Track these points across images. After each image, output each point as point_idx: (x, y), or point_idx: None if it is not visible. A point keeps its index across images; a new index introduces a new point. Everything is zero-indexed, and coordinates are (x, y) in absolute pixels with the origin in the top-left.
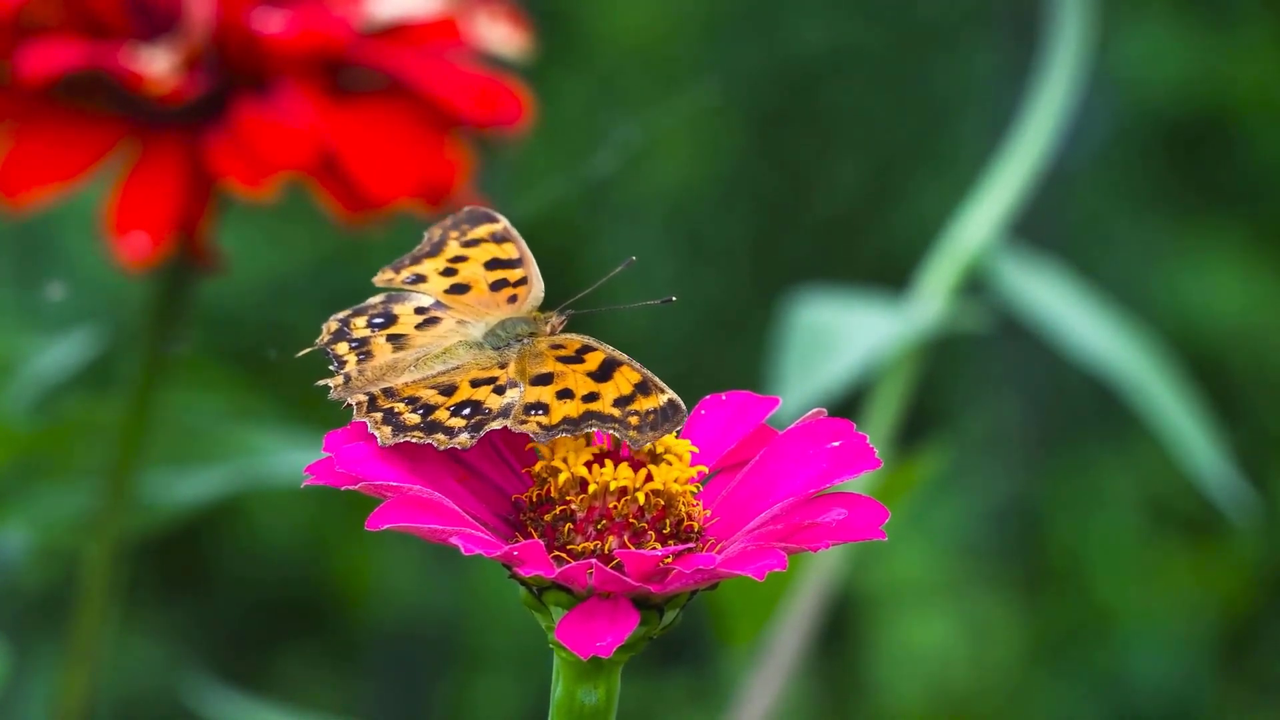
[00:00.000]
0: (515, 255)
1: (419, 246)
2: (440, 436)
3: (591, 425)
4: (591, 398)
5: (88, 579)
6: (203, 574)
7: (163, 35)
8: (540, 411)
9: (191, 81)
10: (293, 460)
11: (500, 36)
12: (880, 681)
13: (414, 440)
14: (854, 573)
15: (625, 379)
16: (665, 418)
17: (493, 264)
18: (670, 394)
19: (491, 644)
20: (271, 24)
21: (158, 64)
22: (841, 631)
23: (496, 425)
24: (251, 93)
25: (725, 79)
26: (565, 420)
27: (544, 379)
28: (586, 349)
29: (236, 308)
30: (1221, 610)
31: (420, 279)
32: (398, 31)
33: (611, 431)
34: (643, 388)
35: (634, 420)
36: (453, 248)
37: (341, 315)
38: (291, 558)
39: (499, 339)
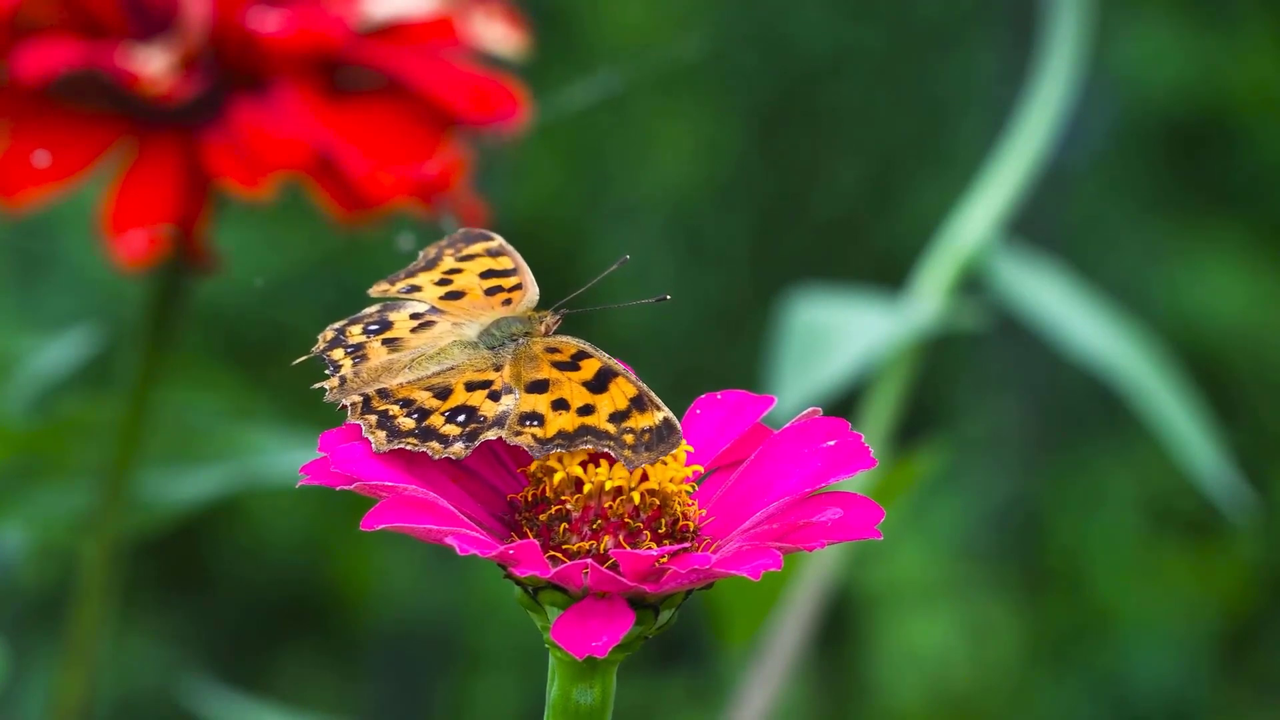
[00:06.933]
0: (510, 266)
1: (414, 263)
2: (435, 445)
3: (587, 442)
4: (587, 410)
5: (86, 578)
6: (202, 574)
7: (159, 35)
8: (535, 423)
9: (188, 81)
10: (291, 460)
11: (497, 35)
12: (880, 682)
13: (408, 448)
14: (853, 573)
15: (621, 392)
16: (661, 439)
17: (487, 274)
18: (666, 412)
19: (490, 644)
20: (268, 23)
21: (154, 64)
22: (841, 631)
23: (491, 435)
24: (248, 92)
25: (725, 79)
26: (560, 434)
27: (539, 386)
28: (582, 355)
29: (234, 307)
30: (1221, 610)
31: (415, 289)
32: (394, 31)
33: (606, 450)
34: (638, 403)
35: (629, 439)
36: (448, 262)
37: (337, 325)
38: (291, 558)
39: (494, 338)
